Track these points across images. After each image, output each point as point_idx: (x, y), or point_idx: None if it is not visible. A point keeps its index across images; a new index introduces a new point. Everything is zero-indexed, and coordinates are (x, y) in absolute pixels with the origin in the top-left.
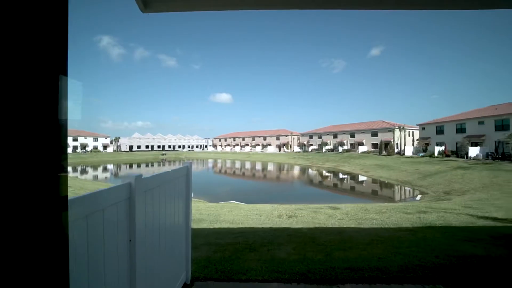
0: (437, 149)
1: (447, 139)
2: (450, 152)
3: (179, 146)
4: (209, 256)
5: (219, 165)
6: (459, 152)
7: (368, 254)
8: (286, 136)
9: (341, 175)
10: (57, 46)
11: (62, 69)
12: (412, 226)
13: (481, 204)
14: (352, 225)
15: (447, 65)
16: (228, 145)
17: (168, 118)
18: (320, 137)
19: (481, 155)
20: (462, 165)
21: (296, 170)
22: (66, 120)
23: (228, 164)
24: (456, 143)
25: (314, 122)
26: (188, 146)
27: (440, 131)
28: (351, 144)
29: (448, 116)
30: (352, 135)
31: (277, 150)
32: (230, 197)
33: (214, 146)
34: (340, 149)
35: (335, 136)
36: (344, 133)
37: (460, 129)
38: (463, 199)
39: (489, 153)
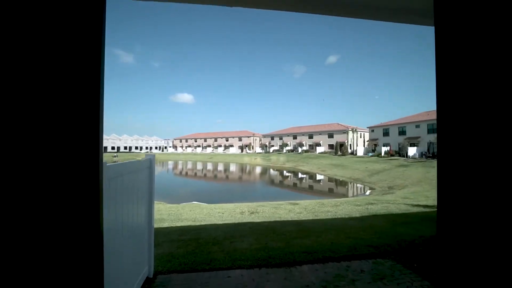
0: (384, 149)
1: (392, 141)
2: (394, 152)
3: (136, 148)
4: (172, 251)
5: (179, 166)
6: (401, 152)
7: (322, 240)
8: (248, 137)
9: (300, 175)
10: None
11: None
12: (361, 215)
13: (416, 195)
14: (310, 217)
15: (389, 72)
16: (189, 146)
17: (124, 118)
18: (281, 138)
19: (417, 154)
20: (403, 163)
21: (258, 171)
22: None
23: (189, 166)
24: (399, 144)
25: (276, 124)
26: (146, 148)
27: (386, 133)
28: (310, 145)
29: (392, 120)
30: (311, 136)
31: (239, 151)
32: (192, 198)
33: (174, 147)
34: (300, 149)
35: (295, 138)
36: (303, 135)
37: (402, 132)
38: (403, 192)
39: (423, 153)
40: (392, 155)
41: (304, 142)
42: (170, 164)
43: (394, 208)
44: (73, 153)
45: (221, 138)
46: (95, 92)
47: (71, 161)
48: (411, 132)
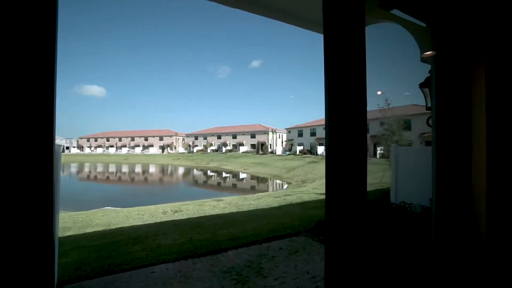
0: (298, 148)
1: (305, 141)
2: (307, 150)
3: None
4: (81, 258)
5: (86, 169)
6: (312, 151)
7: (246, 228)
8: (171, 136)
9: (224, 174)
10: None
11: None
12: (279, 205)
13: (323, 186)
14: (234, 210)
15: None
16: (100, 146)
17: None
18: (205, 138)
19: (325, 152)
20: (314, 160)
21: (181, 171)
22: None
23: (100, 169)
24: (310, 144)
25: (200, 123)
26: None
27: (300, 134)
28: (234, 145)
29: (305, 123)
30: (234, 136)
31: (160, 151)
32: (104, 203)
33: (80, 147)
34: (224, 149)
35: (219, 137)
36: (227, 135)
37: (313, 133)
38: (314, 184)
39: None
40: (305, 154)
41: (228, 142)
42: (74, 167)
43: (306, 197)
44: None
45: (139, 137)
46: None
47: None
48: (320, 133)
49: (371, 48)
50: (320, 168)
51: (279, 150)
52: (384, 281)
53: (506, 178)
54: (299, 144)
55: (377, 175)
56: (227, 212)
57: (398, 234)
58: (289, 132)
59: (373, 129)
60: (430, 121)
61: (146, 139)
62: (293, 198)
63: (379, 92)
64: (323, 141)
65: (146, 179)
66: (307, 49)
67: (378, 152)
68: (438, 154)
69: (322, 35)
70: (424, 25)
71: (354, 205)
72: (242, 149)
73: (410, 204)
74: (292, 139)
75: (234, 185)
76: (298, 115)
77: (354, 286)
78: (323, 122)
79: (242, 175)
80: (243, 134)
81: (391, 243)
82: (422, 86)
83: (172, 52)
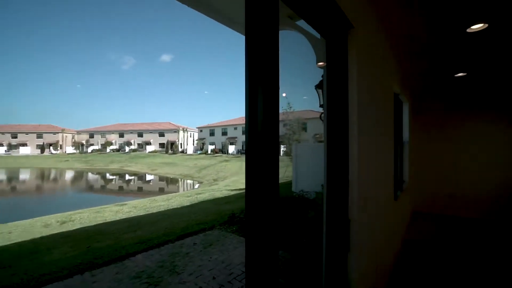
0: (210, 147)
1: (216, 140)
2: (218, 150)
3: None
4: None
5: None
6: (223, 150)
7: (156, 229)
8: (55, 133)
9: (128, 177)
10: None
11: None
12: (191, 203)
13: (234, 183)
14: (141, 213)
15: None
16: None
17: None
18: (103, 136)
19: (235, 151)
20: (225, 159)
21: (69, 176)
22: None
23: None
24: (222, 143)
25: (99, 119)
26: None
27: (212, 133)
28: (139, 144)
29: (217, 122)
30: (140, 134)
31: (38, 151)
32: None
33: None
34: (127, 149)
35: (121, 135)
36: (131, 132)
37: (224, 133)
38: (225, 182)
39: (239, 150)
40: (216, 153)
41: (133, 141)
42: None
43: (218, 194)
44: None
45: (4, 133)
46: None
47: None
48: (231, 133)
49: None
50: (231, 167)
51: (190, 150)
52: (292, 256)
53: (364, 169)
54: (211, 144)
55: (281, 170)
56: (133, 215)
57: (300, 215)
58: (201, 131)
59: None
60: (322, 116)
61: (14, 136)
62: (206, 196)
63: (283, 94)
64: (234, 141)
65: (14, 188)
66: (225, 48)
67: (282, 150)
68: (328, 146)
69: (237, 34)
70: (319, 36)
71: (269, 197)
72: (149, 148)
73: (307, 191)
74: (204, 138)
75: (140, 188)
76: (212, 115)
77: (270, 266)
78: (235, 122)
79: (149, 177)
80: (150, 132)
81: (295, 223)
82: (316, 87)
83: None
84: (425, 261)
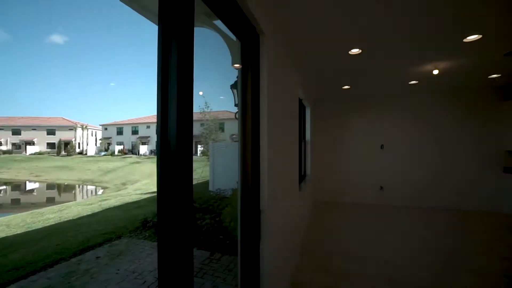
0: (117, 148)
1: (126, 140)
2: (128, 150)
3: None
4: None
5: None
6: (134, 150)
7: (43, 247)
8: None
9: None
10: None
11: None
12: (93, 212)
13: (147, 186)
14: (18, 232)
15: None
16: None
17: None
18: None
19: (148, 152)
20: (137, 160)
21: None
22: None
23: None
24: (132, 143)
25: None
26: None
27: (120, 132)
28: (15, 144)
29: (126, 120)
30: (17, 132)
31: None
32: None
33: None
34: None
35: None
36: (1, 129)
37: (135, 131)
38: (136, 185)
39: (152, 150)
40: (125, 153)
41: (4, 140)
42: None
43: (128, 199)
44: None
45: None
46: None
47: None
48: (143, 132)
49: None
50: (143, 169)
51: (91, 150)
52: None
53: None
54: (119, 143)
55: (199, 170)
56: (4, 236)
57: (216, 212)
58: (106, 129)
59: (194, 129)
60: (237, 115)
61: None
62: (112, 202)
63: (200, 93)
64: (147, 140)
65: None
66: (135, 37)
67: (199, 150)
68: (242, 144)
69: (151, 24)
70: (235, 39)
71: (184, 199)
72: (32, 149)
73: (224, 189)
74: (110, 138)
75: (17, 201)
76: (120, 111)
77: (184, 268)
78: (147, 120)
79: (31, 185)
80: (33, 129)
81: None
82: (232, 87)
83: None
84: (323, 242)
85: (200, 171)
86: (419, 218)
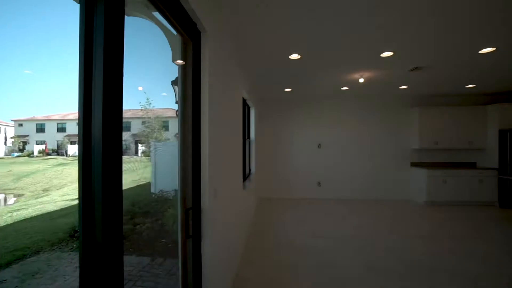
0: (38, 147)
1: (49, 138)
2: (52, 150)
3: None
4: None
5: None
6: (60, 150)
7: None
8: None
9: None
10: None
11: None
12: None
13: (76, 191)
14: None
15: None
16: None
17: None
18: None
19: (78, 152)
20: (62, 162)
21: None
22: None
23: None
24: (58, 142)
25: None
26: None
27: (41, 129)
28: None
29: (49, 115)
30: None
31: None
32: None
33: None
34: None
35: None
36: None
37: (62, 129)
38: (62, 190)
39: None
40: (48, 154)
41: None
42: None
43: (51, 207)
44: None
45: None
46: None
47: None
48: (72, 129)
49: (131, 42)
50: (71, 171)
51: (0, 151)
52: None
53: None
54: (39, 142)
55: (139, 171)
56: None
57: (158, 215)
58: (21, 125)
59: (134, 127)
60: (177, 113)
61: None
62: (29, 212)
63: (140, 88)
64: (77, 139)
65: None
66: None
67: (140, 150)
68: (183, 142)
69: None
70: (175, 33)
71: (113, 204)
72: None
73: (167, 191)
74: (27, 136)
75: None
76: (40, 104)
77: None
78: (77, 116)
79: None
80: None
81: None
82: (173, 83)
83: None
84: (268, 236)
85: (141, 172)
86: (351, 209)
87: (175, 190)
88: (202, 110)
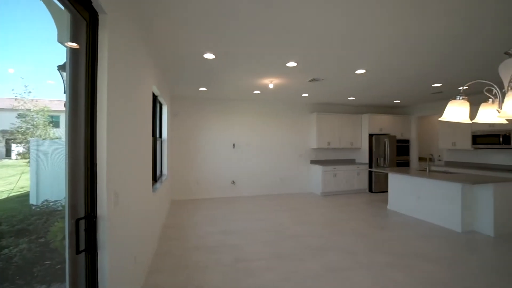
0: None
1: None
2: None
3: None
4: None
5: None
6: None
7: None
8: None
9: None
10: None
11: None
12: None
13: None
14: None
15: None
16: None
17: None
18: None
19: None
20: None
21: None
22: None
23: None
24: None
25: None
26: None
27: None
28: None
29: None
30: None
31: None
32: None
33: None
34: None
35: None
36: None
37: None
38: None
39: None
40: None
41: None
42: None
43: None
44: None
45: None
46: None
47: None
48: None
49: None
50: None
51: None
52: None
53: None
54: None
55: (11, 179)
56: None
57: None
58: None
59: (5, 121)
60: (65, 104)
61: None
62: None
63: (11, 70)
64: None
65: None
66: None
67: (16, 151)
68: (71, 139)
69: None
70: (62, 7)
71: None
72: None
73: (55, 201)
74: None
75: None
76: None
77: None
78: None
79: None
80: None
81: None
82: (60, 69)
83: None
84: (181, 239)
85: (14, 180)
86: (261, 204)
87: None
88: (99, 103)
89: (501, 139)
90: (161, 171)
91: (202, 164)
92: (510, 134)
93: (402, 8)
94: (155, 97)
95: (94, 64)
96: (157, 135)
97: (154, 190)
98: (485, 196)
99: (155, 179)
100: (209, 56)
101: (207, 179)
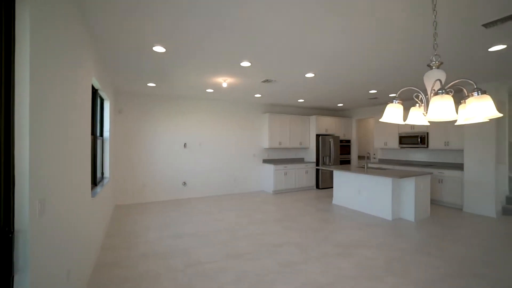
0: None
1: None
2: None
3: None
4: None
5: None
6: None
7: None
8: None
9: None
10: None
11: None
12: None
13: None
14: None
15: None
16: None
17: None
18: None
19: None
20: None
21: None
22: None
23: None
24: None
25: None
26: None
27: None
28: None
29: None
30: None
31: None
32: None
33: None
34: None
35: None
36: None
37: None
38: None
39: None
40: None
41: None
42: None
43: None
44: None
45: None
46: None
47: None
48: None
49: None
50: None
51: None
52: None
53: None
54: None
55: None
56: None
57: None
58: None
59: None
60: None
61: None
62: None
63: None
64: None
65: None
66: None
67: None
68: None
69: None
70: None
71: None
72: None
73: None
74: None
75: None
76: None
77: None
78: None
79: None
80: None
81: None
82: None
83: None
84: (127, 247)
85: None
86: (214, 205)
87: None
88: (17, 94)
89: (419, 139)
90: (102, 174)
91: (149, 165)
92: (425, 135)
93: (347, 21)
94: (95, 91)
95: (10, 46)
96: (98, 134)
97: (93, 195)
98: (408, 188)
99: (94, 182)
100: (159, 49)
101: (156, 181)
